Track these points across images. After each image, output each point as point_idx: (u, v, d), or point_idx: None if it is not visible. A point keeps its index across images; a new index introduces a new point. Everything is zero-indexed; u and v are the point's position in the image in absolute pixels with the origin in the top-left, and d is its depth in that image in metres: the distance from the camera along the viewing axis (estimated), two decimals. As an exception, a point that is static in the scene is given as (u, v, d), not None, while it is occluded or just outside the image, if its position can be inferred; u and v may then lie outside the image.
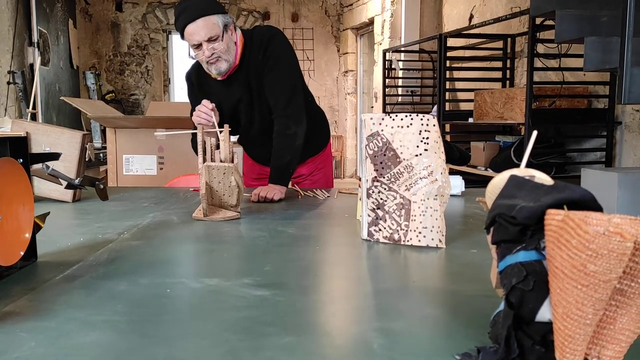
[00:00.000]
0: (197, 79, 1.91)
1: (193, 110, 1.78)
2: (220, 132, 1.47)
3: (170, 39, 7.56)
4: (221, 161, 1.43)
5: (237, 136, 2.10)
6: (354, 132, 7.88)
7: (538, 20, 3.31)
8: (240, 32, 1.84)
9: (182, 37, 1.75)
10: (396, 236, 1.13)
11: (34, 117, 4.47)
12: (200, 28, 1.69)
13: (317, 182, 2.10)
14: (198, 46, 1.72)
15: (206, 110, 1.64)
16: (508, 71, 4.60)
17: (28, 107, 2.47)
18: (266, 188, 1.73)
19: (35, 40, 4.78)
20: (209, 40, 1.71)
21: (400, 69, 5.80)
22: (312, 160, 2.09)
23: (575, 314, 0.43)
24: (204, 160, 1.43)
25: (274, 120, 1.84)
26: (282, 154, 1.81)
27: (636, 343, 0.47)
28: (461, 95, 5.15)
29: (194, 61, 1.90)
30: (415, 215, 1.11)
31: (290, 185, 1.89)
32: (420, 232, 1.11)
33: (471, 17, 5.20)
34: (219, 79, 1.83)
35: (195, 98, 1.89)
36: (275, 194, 1.70)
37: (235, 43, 1.80)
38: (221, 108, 1.84)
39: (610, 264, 0.41)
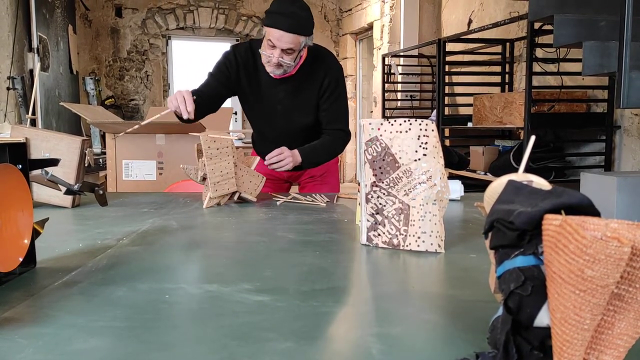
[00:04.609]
0: (245, 61, 1.99)
1: (209, 77, 2.00)
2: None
3: (170, 44, 7.57)
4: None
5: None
6: (353, 137, 7.88)
7: (536, 25, 3.32)
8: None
9: (266, 24, 1.82)
10: (395, 241, 1.13)
11: (33, 123, 4.47)
12: (286, 40, 1.78)
13: (327, 184, 2.18)
14: (273, 46, 1.81)
15: (185, 104, 1.74)
16: (507, 76, 4.61)
17: (27, 113, 2.47)
18: (282, 155, 1.86)
19: (35, 46, 4.79)
20: (286, 50, 1.80)
21: (400, 74, 5.81)
22: (324, 164, 2.20)
23: (573, 319, 0.43)
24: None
25: (328, 131, 2.02)
26: (323, 152, 2.02)
27: (634, 348, 0.47)
28: (460, 100, 5.16)
29: (248, 42, 2.04)
30: (414, 220, 1.11)
31: (291, 193, 1.92)
32: (419, 237, 1.11)
33: (470, 22, 5.22)
34: (272, 75, 1.93)
35: (221, 73, 1.99)
36: (288, 164, 1.87)
37: (301, 56, 1.91)
38: (259, 98, 2.00)
39: (608, 269, 0.41)
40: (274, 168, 1.88)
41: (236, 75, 1.99)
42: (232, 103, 4.86)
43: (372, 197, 1.14)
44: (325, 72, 1.97)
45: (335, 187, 2.19)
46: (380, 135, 1.12)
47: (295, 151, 1.92)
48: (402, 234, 1.12)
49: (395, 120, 1.12)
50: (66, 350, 0.64)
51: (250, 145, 4.58)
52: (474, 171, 4.24)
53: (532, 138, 0.68)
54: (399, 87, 5.94)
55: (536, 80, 3.77)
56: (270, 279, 0.93)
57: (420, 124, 1.10)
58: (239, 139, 5.42)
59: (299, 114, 2.00)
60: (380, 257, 1.08)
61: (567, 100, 3.63)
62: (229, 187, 1.68)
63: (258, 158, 1.79)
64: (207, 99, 1.94)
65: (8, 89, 4.38)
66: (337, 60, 2.06)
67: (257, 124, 2.12)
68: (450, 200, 1.69)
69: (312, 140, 2.03)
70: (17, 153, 0.96)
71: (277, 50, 1.80)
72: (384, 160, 1.12)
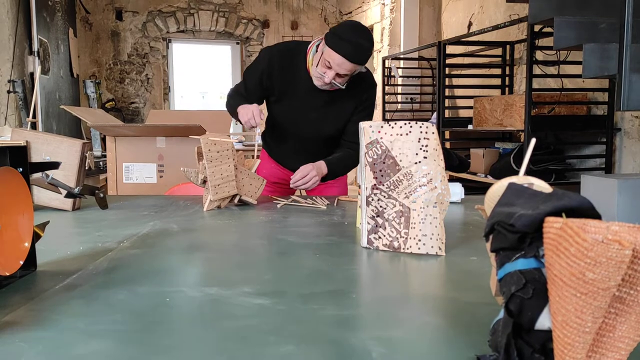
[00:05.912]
0: (284, 62, 1.98)
1: (244, 81, 2.05)
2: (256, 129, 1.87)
3: (170, 47, 7.58)
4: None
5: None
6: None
7: (537, 28, 3.32)
8: None
9: (330, 45, 1.80)
10: (396, 244, 1.13)
11: (34, 126, 4.47)
12: (346, 67, 1.80)
13: (337, 186, 2.20)
14: (329, 67, 1.82)
15: (257, 117, 1.84)
16: (507, 78, 4.61)
17: (28, 116, 2.47)
18: (309, 176, 1.89)
19: (36, 49, 4.80)
20: (341, 75, 1.83)
21: (400, 77, 5.81)
22: None
23: (574, 322, 0.43)
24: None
25: (349, 144, 2.04)
26: (345, 166, 2.06)
27: (635, 351, 0.47)
28: (460, 102, 5.16)
29: (289, 43, 2.06)
30: (414, 223, 1.11)
31: (292, 196, 1.92)
32: (419, 240, 1.10)
33: (470, 24, 5.22)
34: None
35: (256, 72, 2.01)
36: (315, 183, 1.92)
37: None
38: (293, 102, 2.00)
39: (609, 272, 0.41)
40: (301, 188, 1.92)
41: (269, 74, 1.98)
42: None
43: (372, 199, 1.14)
44: (366, 89, 2.01)
45: (344, 190, 2.22)
46: (381, 138, 1.12)
47: (321, 163, 1.96)
48: (403, 237, 1.12)
49: (395, 123, 1.12)
50: (67, 353, 0.64)
51: (251, 148, 4.56)
52: (475, 174, 4.24)
53: (533, 140, 0.68)
54: (399, 89, 5.94)
55: (536, 83, 3.78)
56: (271, 281, 0.93)
57: (420, 127, 1.10)
58: (239, 142, 5.42)
59: (330, 124, 2.02)
60: (380, 260, 1.08)
61: (567, 103, 3.63)
62: (230, 190, 1.67)
63: (259, 161, 1.78)
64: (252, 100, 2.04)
65: (9, 92, 4.39)
66: (374, 79, 2.10)
67: (281, 125, 2.11)
68: (451, 202, 1.69)
69: (330, 150, 2.06)
70: (17, 156, 0.96)
71: (332, 72, 1.82)
72: (384, 163, 1.12)
